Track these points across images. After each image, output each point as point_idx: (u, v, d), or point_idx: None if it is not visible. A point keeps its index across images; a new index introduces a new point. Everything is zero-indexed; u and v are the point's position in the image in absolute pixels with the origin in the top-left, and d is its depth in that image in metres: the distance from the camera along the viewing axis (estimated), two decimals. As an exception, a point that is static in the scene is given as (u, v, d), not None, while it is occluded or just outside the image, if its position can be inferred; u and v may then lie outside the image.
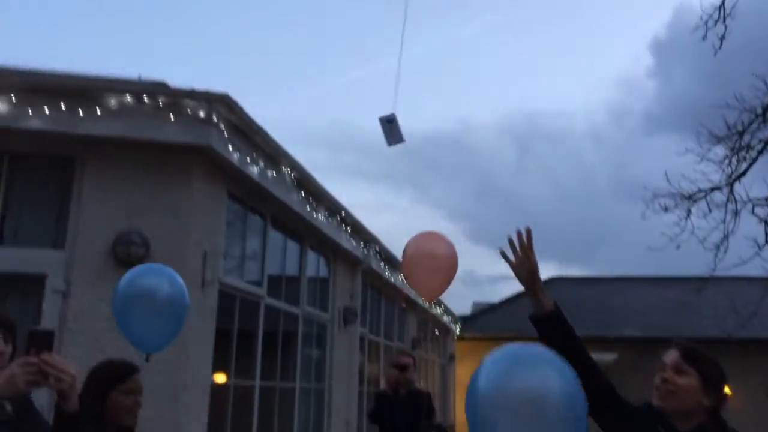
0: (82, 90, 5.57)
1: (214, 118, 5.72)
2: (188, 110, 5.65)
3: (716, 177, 9.78)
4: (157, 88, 5.75)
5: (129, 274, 3.55)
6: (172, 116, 5.62)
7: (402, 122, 5.90)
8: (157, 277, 3.58)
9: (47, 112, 5.40)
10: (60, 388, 1.94)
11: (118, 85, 5.66)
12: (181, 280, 3.63)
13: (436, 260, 4.91)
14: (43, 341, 1.88)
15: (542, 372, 2.46)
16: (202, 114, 5.67)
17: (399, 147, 6.05)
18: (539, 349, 2.48)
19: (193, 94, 5.65)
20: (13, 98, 5.35)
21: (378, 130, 6.05)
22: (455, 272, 4.95)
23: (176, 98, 5.66)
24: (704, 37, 8.72)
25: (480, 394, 2.45)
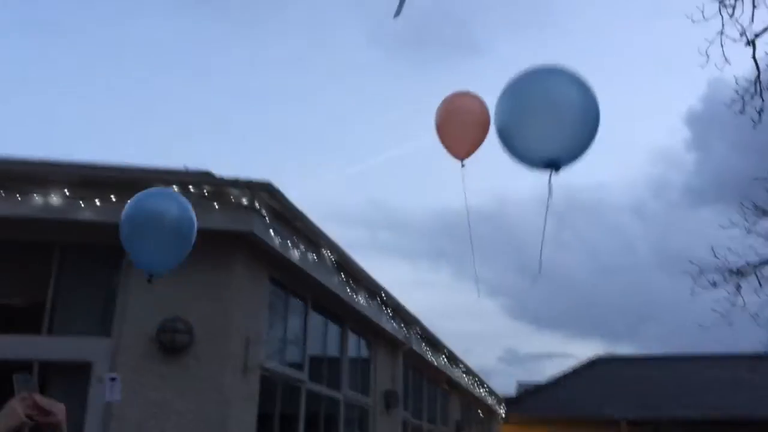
0: (132, 181, 5.78)
1: (257, 205, 5.87)
2: (232, 198, 5.82)
3: (765, 251, 9.53)
4: (202, 178, 5.94)
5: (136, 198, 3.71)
6: (216, 204, 5.79)
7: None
8: (165, 201, 3.72)
9: (98, 204, 5.62)
10: (56, 420, 2.18)
11: (166, 176, 5.87)
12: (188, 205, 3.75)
13: (467, 115, 4.72)
14: (29, 385, 2.18)
15: (558, 79, 2.59)
16: (245, 201, 5.83)
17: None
18: (555, 66, 2.61)
19: (236, 183, 5.83)
20: (67, 192, 5.59)
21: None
22: (487, 130, 4.69)
23: (220, 187, 5.84)
24: (742, 111, 8.70)
25: (505, 100, 2.57)
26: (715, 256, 9.71)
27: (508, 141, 2.74)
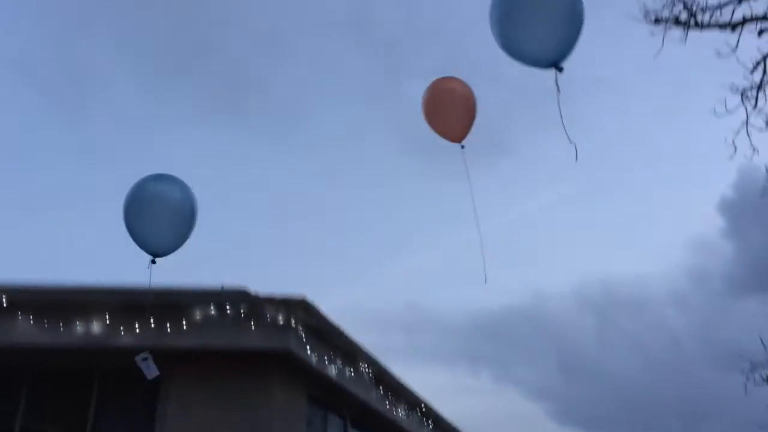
0: (171, 305, 5.86)
1: (293, 323, 5.87)
2: (268, 317, 5.84)
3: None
4: (239, 297, 5.98)
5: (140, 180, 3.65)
6: (252, 324, 5.80)
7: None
8: (168, 184, 3.65)
9: (137, 329, 5.67)
10: None
11: (204, 297, 5.93)
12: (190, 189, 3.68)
13: (453, 98, 4.61)
14: None
15: None
16: (281, 319, 5.83)
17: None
18: None
19: (272, 301, 5.86)
20: (107, 318, 5.68)
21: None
22: (474, 108, 4.60)
23: (256, 305, 5.87)
24: (775, 199, 8.59)
25: (498, 14, 2.87)
26: (766, 349, 9.32)
27: (512, 52, 3.02)
